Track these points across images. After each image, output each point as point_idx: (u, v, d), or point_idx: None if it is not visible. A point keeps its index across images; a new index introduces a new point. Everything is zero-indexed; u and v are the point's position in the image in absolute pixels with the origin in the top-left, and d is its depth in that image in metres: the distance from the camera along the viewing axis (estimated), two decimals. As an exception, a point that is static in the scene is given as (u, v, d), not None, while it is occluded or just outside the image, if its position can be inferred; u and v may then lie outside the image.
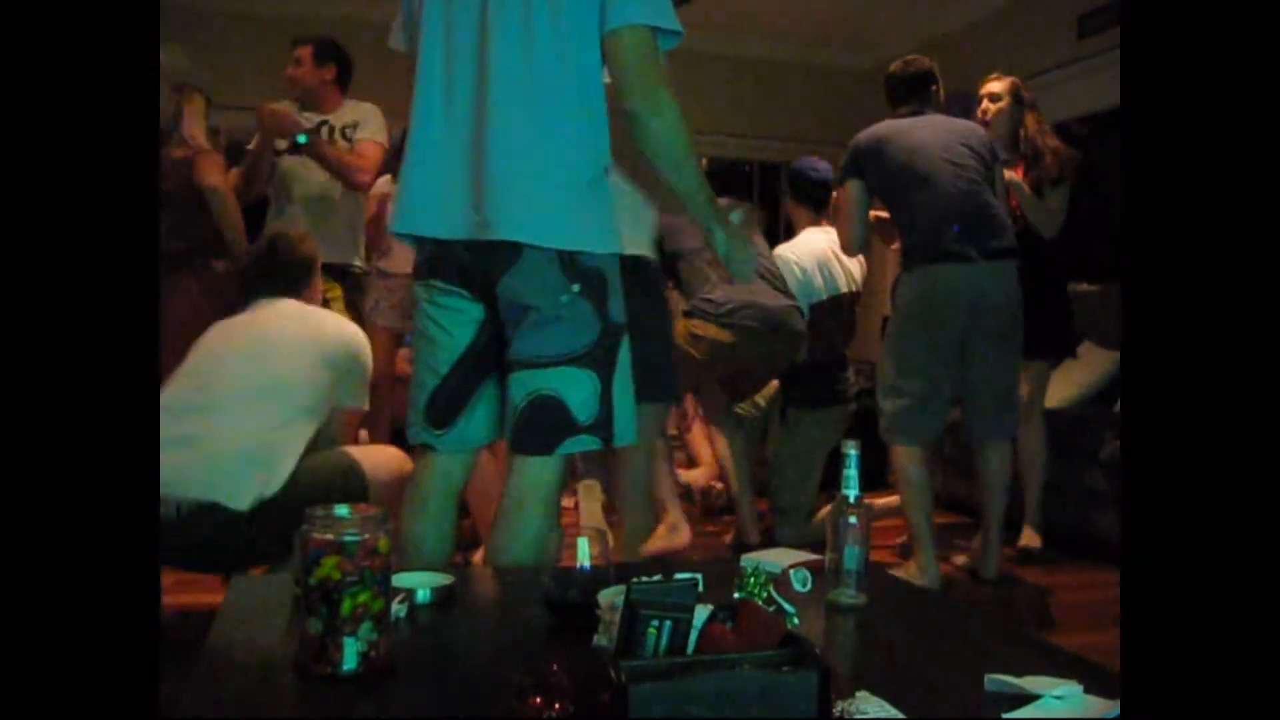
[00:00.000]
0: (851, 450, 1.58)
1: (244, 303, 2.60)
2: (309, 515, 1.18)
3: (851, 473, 1.56)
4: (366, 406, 2.68)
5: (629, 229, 2.78)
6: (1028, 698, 1.11)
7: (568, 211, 1.73)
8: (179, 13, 5.24)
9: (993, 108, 3.58)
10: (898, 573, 3.06)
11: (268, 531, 2.22)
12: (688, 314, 3.47)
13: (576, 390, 1.75)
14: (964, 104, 5.80)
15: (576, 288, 1.73)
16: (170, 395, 2.27)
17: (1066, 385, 4.11)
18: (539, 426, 1.76)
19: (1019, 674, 1.15)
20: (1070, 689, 1.11)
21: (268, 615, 1.41)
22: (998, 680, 1.15)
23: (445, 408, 1.85)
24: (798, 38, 6.51)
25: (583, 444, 1.78)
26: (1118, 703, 1.05)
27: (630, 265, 2.81)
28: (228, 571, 2.41)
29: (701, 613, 1.14)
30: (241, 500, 2.18)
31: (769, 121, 6.74)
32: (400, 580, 1.43)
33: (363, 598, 1.15)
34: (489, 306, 1.80)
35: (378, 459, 2.56)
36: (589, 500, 3.75)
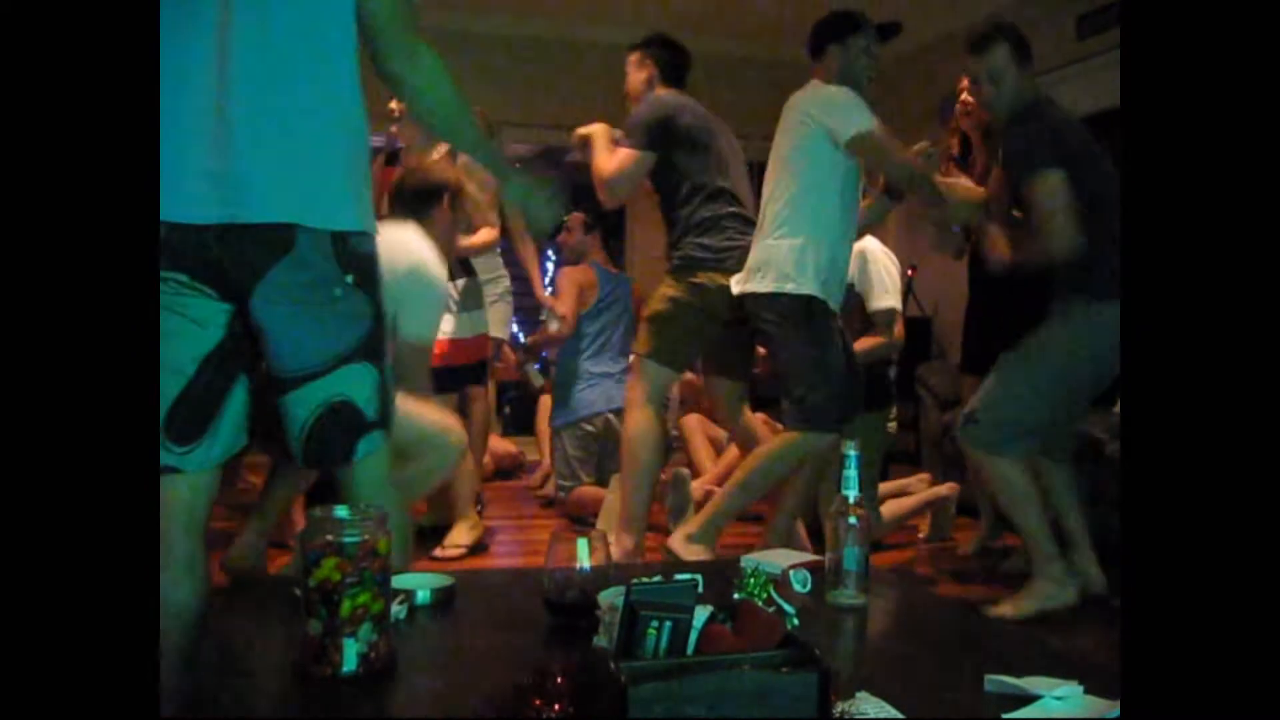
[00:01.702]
0: (851, 450, 1.58)
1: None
2: (308, 516, 1.18)
3: (851, 473, 1.56)
4: (430, 342, 2.62)
5: (797, 270, 2.88)
6: (1028, 698, 1.10)
7: (331, 188, 1.55)
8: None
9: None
10: (1003, 611, 2.68)
11: None
12: (682, 266, 3.21)
13: (361, 388, 1.62)
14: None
15: (350, 278, 1.57)
16: None
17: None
18: (334, 434, 1.62)
19: (1019, 674, 1.15)
20: (1070, 689, 1.11)
21: (267, 616, 1.41)
22: (998, 680, 1.15)
23: (191, 417, 1.56)
24: (798, 37, 6.50)
25: (374, 441, 1.65)
26: (1118, 703, 1.05)
27: (806, 305, 2.89)
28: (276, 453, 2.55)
29: (701, 613, 1.14)
30: None
31: (769, 121, 6.73)
32: (400, 581, 1.43)
33: (362, 599, 1.15)
34: (239, 304, 1.56)
35: (423, 410, 2.51)
36: (613, 494, 3.76)
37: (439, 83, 1.67)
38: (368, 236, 1.61)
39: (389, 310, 2.31)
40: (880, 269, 3.78)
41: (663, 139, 3.10)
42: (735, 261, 3.11)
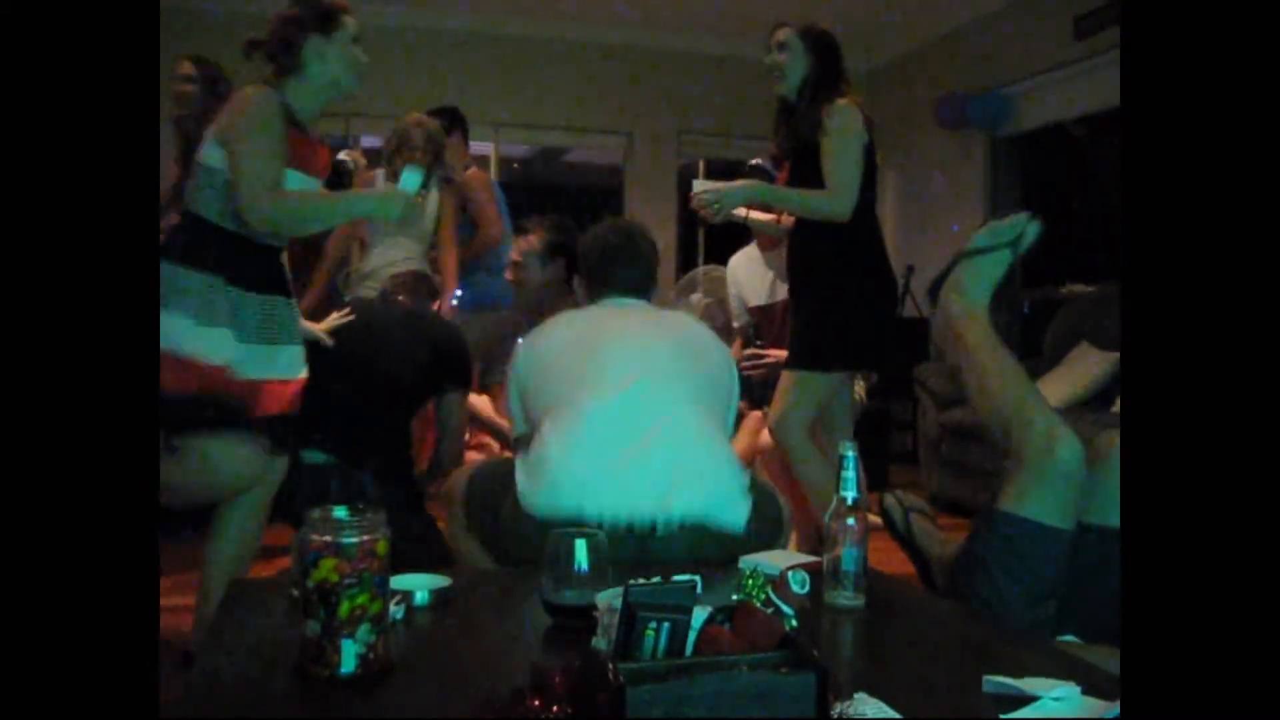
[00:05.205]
0: (849, 451, 1.57)
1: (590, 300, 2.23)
2: (306, 517, 1.18)
3: (849, 474, 1.56)
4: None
5: None
6: (1026, 699, 1.10)
7: None
8: (179, 14, 5.24)
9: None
10: None
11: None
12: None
13: None
14: (959, 104, 5.81)
15: None
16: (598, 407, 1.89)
17: (1065, 385, 4.10)
18: None
19: (1017, 675, 1.15)
20: (1068, 690, 1.11)
21: (266, 617, 1.41)
22: (996, 681, 1.15)
23: None
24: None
25: None
26: (1115, 703, 1.05)
27: None
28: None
29: (700, 614, 1.14)
30: (739, 517, 1.86)
31: (769, 122, 6.73)
32: (398, 582, 1.43)
33: (361, 599, 1.14)
34: None
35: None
36: None
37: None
38: None
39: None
40: None
41: None
42: None
